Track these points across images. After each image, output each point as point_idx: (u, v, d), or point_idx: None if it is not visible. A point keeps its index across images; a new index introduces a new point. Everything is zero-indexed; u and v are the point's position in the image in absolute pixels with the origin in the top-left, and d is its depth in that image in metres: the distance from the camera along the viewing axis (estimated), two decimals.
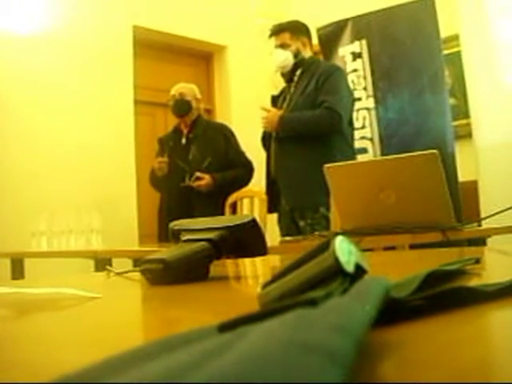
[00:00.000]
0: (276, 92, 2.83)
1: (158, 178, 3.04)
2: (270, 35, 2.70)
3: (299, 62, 2.62)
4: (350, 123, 2.59)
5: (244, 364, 0.16)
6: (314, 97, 2.48)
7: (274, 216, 2.80)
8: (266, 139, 2.70)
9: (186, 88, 3.12)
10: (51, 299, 0.54)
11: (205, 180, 2.88)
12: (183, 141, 3.05)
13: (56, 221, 2.82)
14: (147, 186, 3.54)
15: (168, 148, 3.04)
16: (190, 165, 2.94)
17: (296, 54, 2.62)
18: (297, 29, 2.66)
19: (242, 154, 3.06)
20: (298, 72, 2.61)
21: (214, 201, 2.87)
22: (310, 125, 2.46)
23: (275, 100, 2.64)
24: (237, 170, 3.00)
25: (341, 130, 2.47)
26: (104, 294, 0.58)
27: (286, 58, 2.61)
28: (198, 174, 2.89)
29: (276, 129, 2.53)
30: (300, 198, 2.55)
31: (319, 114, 2.43)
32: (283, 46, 2.63)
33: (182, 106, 3.04)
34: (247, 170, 3.03)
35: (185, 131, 3.07)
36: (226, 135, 3.08)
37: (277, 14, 4.68)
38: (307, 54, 2.66)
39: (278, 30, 2.67)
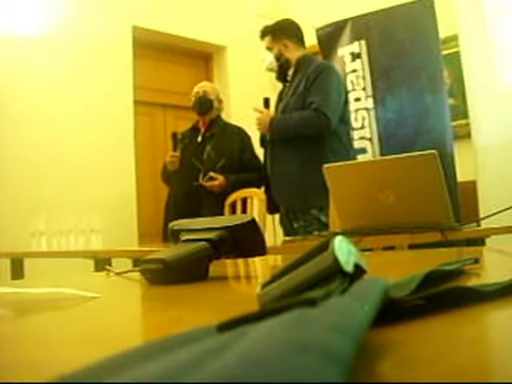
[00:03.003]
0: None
1: (169, 173, 3.03)
2: (261, 38, 2.76)
3: (286, 63, 2.62)
4: (344, 121, 2.56)
5: (243, 364, 0.16)
6: (304, 97, 2.48)
7: (274, 216, 2.80)
8: (264, 140, 2.70)
9: (210, 87, 3.13)
10: (51, 299, 0.54)
11: (218, 181, 2.87)
12: (199, 139, 3.04)
13: (56, 221, 2.82)
14: (147, 186, 3.55)
15: (182, 144, 3.03)
16: (204, 164, 2.93)
17: (278, 57, 2.63)
18: (278, 31, 2.67)
19: (256, 158, 3.03)
20: (291, 72, 2.61)
21: (222, 201, 2.86)
22: (298, 127, 2.45)
23: (267, 102, 2.64)
24: (250, 173, 2.98)
25: (332, 130, 2.45)
26: (104, 294, 0.58)
27: (271, 61, 2.65)
28: (211, 174, 2.88)
29: (268, 130, 2.53)
30: (291, 200, 2.55)
31: (307, 116, 2.42)
32: (268, 49, 2.69)
33: (203, 104, 3.04)
34: (260, 174, 3.00)
35: (202, 129, 3.06)
36: (243, 138, 3.06)
37: (276, 15, 4.68)
38: (291, 54, 2.64)
39: (262, 35, 2.72)
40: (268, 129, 2.52)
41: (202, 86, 3.10)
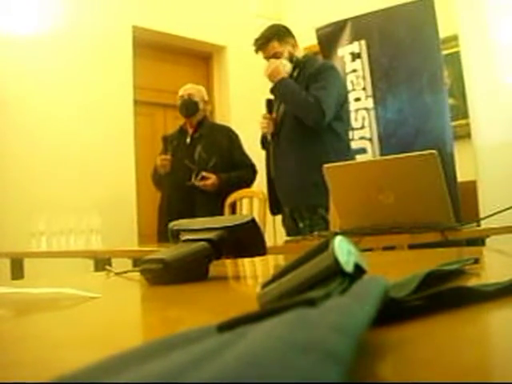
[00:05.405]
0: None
1: (160, 176, 3.05)
2: (257, 50, 2.61)
3: (298, 62, 2.60)
4: (342, 120, 2.54)
5: (243, 364, 0.16)
6: None
7: (275, 216, 2.80)
8: (264, 141, 2.69)
9: (195, 89, 3.15)
10: (51, 299, 0.54)
11: (211, 180, 2.90)
12: (188, 140, 3.07)
13: (56, 221, 2.82)
14: (147, 186, 3.55)
15: (172, 147, 3.06)
16: (196, 164, 2.95)
17: (291, 59, 2.60)
18: (281, 33, 2.62)
19: (245, 156, 3.09)
20: (295, 73, 2.59)
21: (217, 200, 2.88)
22: (296, 104, 2.44)
23: (270, 103, 2.63)
24: (241, 171, 3.03)
25: (325, 126, 2.44)
26: (103, 294, 0.58)
27: (285, 65, 2.54)
28: (203, 173, 2.90)
29: (272, 80, 2.50)
30: (297, 200, 2.54)
31: (308, 103, 2.39)
32: (275, 55, 2.56)
33: (189, 107, 3.07)
34: (251, 171, 3.06)
35: (190, 131, 3.09)
36: (231, 137, 3.11)
37: (276, 15, 4.68)
38: (299, 53, 2.64)
39: (264, 43, 2.58)
40: (275, 79, 2.48)
41: (186, 89, 3.13)
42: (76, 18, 3.84)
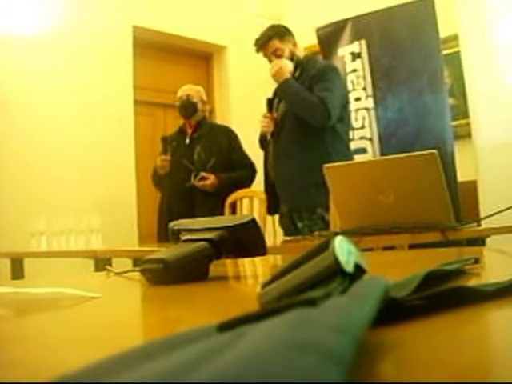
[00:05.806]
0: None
1: (159, 177, 3.06)
2: (258, 49, 2.60)
3: (297, 63, 2.60)
4: (339, 119, 2.53)
5: (243, 363, 0.16)
6: None
7: (274, 216, 2.80)
8: (263, 141, 2.69)
9: (193, 90, 3.16)
10: (51, 299, 0.54)
11: (210, 180, 2.91)
12: (187, 141, 3.08)
13: (56, 221, 2.82)
14: (147, 186, 3.56)
15: (171, 147, 3.07)
16: (195, 164, 2.96)
17: (292, 58, 2.59)
18: (282, 32, 2.60)
19: (245, 156, 3.09)
20: (297, 73, 2.58)
21: (216, 200, 2.89)
22: (301, 105, 2.44)
23: (271, 103, 2.62)
24: (241, 171, 3.04)
25: (330, 127, 2.45)
26: (104, 294, 0.58)
27: (287, 65, 2.53)
28: (203, 173, 2.91)
29: (277, 81, 2.51)
30: (296, 199, 2.54)
31: (313, 104, 2.39)
32: (276, 53, 2.55)
33: (188, 108, 3.08)
34: (250, 171, 3.07)
35: (189, 131, 3.10)
36: (230, 137, 3.12)
37: (276, 15, 4.68)
38: (300, 52, 2.64)
39: (265, 41, 2.57)
40: (279, 79, 2.48)
41: (185, 90, 3.14)
42: (76, 18, 3.84)
